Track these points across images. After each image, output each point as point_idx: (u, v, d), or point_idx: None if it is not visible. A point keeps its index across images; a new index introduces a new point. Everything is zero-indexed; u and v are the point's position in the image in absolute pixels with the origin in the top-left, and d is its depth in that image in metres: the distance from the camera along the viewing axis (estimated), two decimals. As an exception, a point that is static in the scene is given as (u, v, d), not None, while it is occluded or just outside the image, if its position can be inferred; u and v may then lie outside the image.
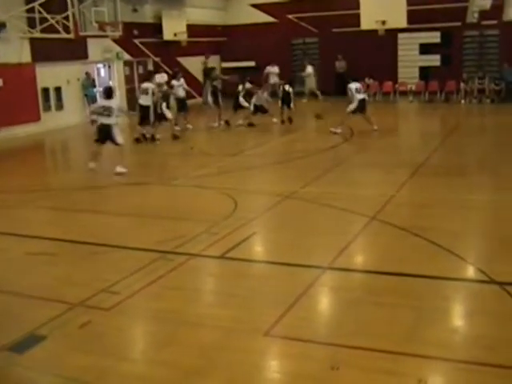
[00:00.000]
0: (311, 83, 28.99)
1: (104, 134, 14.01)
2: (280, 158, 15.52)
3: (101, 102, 14.59)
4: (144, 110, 18.28)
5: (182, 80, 20.84)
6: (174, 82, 20.63)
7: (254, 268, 8.12)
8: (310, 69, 29.46)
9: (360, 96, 18.63)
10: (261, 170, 14.41)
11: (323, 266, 7.66)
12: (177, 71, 22.02)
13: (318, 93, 28.56)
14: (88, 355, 5.75)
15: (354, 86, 18.79)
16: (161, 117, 18.38)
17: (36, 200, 12.11)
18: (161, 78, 22.58)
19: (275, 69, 28.56)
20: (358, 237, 9.00)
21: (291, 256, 8.17)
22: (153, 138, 18.48)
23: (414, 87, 28.77)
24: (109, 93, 14.32)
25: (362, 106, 18.57)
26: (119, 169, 13.85)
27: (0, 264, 8.58)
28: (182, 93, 20.46)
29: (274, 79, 27.63)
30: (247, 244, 8.82)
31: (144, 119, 18.42)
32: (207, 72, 27.11)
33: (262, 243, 9.35)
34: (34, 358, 5.78)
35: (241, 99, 20.82)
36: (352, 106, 18.54)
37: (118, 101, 14.48)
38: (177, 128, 19.90)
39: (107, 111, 13.81)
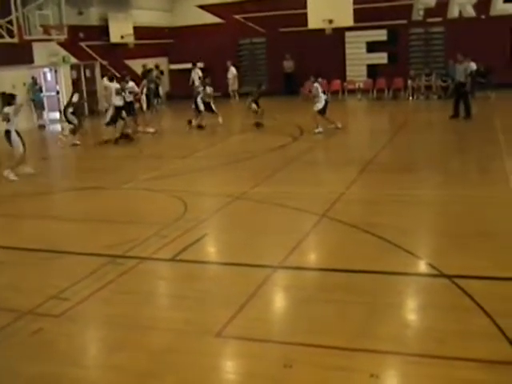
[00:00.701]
0: (234, 85, 28.80)
1: (6, 140, 14.31)
2: (230, 158, 15.50)
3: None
4: (117, 110, 18.87)
5: (130, 83, 20.61)
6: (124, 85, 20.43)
7: (206, 269, 8.09)
8: (233, 70, 29.32)
9: (325, 96, 18.78)
10: (211, 172, 14.37)
11: (274, 265, 7.68)
12: (125, 74, 21.79)
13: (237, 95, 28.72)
14: (40, 363, 5.67)
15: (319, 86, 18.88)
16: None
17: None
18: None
19: (197, 72, 28.35)
20: (308, 235, 9.05)
21: (243, 256, 8.17)
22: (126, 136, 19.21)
23: (362, 85, 29.08)
24: (4, 99, 14.71)
25: (325, 108, 18.62)
26: (7, 173, 14.09)
27: None
28: (128, 97, 20.22)
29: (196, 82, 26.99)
30: (198, 246, 8.79)
31: (115, 120, 18.92)
32: (144, 74, 26.84)
33: (214, 244, 9.34)
34: (-17, 369, 5.67)
35: (199, 101, 20.59)
36: (320, 105, 18.49)
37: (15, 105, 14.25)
38: (128, 131, 19.77)
39: (5, 117, 14.09)
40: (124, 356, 5.68)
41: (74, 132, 19.16)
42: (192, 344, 5.81)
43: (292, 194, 11.33)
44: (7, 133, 14.11)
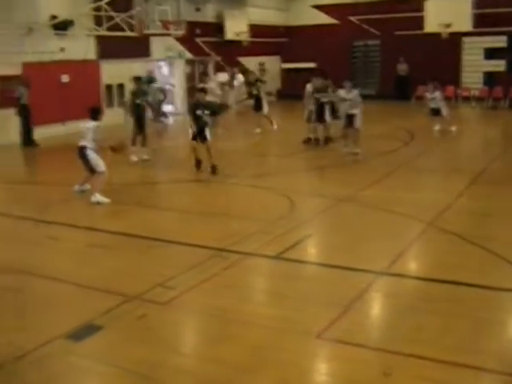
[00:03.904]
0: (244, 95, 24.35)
1: (79, 157, 12.02)
2: (338, 160, 15.43)
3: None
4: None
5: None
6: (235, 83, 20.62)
7: (309, 270, 8.13)
8: (241, 78, 24.98)
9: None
10: (318, 173, 14.39)
11: (378, 271, 7.62)
12: (235, 71, 22.07)
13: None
14: (142, 347, 5.86)
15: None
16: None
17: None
18: (222, 77, 22.71)
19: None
20: (414, 243, 8.92)
21: (346, 259, 8.13)
22: None
23: (477, 93, 28.21)
24: (93, 113, 12.16)
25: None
26: (96, 198, 11.62)
27: (61, 254, 8.83)
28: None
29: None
30: (302, 245, 8.83)
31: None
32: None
33: (317, 245, 9.34)
34: (89, 348, 5.94)
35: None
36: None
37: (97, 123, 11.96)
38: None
39: (82, 132, 12.04)
40: (223, 348, 5.79)
41: (133, 141, 15.62)
42: (292, 343, 5.85)
43: (399, 199, 11.18)
44: (80, 149, 11.87)
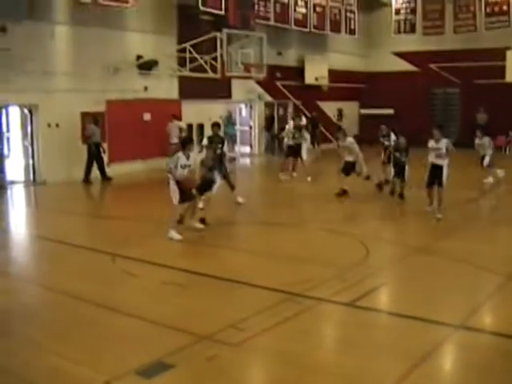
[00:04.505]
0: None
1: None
2: (413, 208, 15.20)
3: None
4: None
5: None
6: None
7: (382, 319, 7.98)
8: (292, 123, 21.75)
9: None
10: (394, 220, 14.20)
11: (454, 324, 7.41)
12: (314, 116, 22.08)
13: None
14: (212, 388, 5.84)
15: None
16: None
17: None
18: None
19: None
20: (493, 296, 8.65)
21: (420, 310, 7.92)
22: None
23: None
24: (182, 143, 12.41)
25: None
26: (170, 234, 11.78)
27: (135, 291, 8.95)
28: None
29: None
30: (376, 293, 8.72)
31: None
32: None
33: (391, 294, 9.18)
34: (159, 385, 5.94)
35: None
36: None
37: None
38: None
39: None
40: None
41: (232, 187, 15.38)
42: (365, 394, 5.75)
43: (475, 251, 10.88)
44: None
